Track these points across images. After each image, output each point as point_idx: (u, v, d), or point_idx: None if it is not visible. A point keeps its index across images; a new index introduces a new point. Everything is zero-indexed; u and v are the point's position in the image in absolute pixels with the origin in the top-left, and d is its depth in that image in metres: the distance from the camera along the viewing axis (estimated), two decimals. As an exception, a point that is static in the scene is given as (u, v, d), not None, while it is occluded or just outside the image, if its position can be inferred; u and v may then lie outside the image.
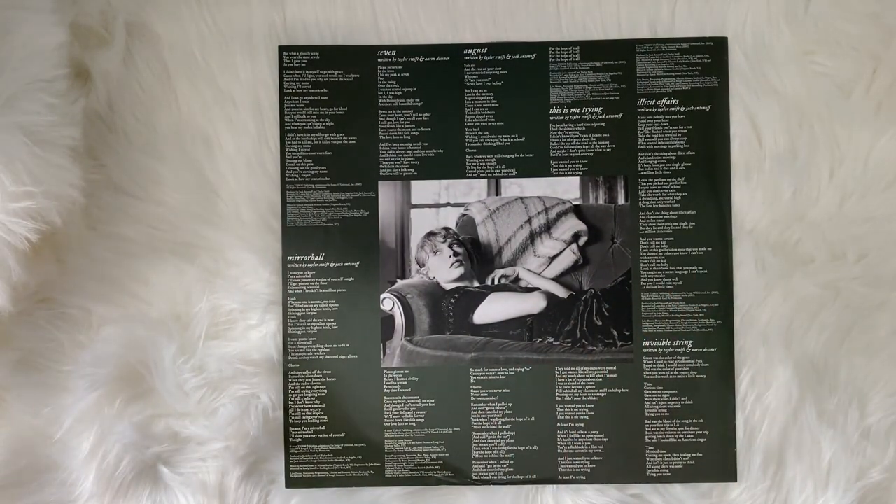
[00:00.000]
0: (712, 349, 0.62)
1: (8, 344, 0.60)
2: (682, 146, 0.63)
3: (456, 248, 0.63)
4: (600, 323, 0.63)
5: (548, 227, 0.63)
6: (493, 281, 0.63)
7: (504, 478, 0.62)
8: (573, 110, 0.63)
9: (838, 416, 0.60)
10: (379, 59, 0.64)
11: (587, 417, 0.62)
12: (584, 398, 0.62)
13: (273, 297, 0.62)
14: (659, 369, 0.62)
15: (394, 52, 0.63)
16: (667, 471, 0.62)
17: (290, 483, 0.62)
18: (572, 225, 0.63)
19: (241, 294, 0.62)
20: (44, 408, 0.60)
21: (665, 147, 0.63)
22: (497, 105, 0.64)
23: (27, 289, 0.58)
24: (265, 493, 0.62)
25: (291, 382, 0.62)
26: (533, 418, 0.62)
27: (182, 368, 0.60)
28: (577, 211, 0.63)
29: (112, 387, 0.60)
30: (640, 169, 0.63)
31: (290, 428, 0.62)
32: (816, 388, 0.60)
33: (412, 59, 0.64)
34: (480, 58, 0.63)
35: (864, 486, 0.59)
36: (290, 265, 0.63)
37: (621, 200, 0.63)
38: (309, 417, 0.62)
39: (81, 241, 0.61)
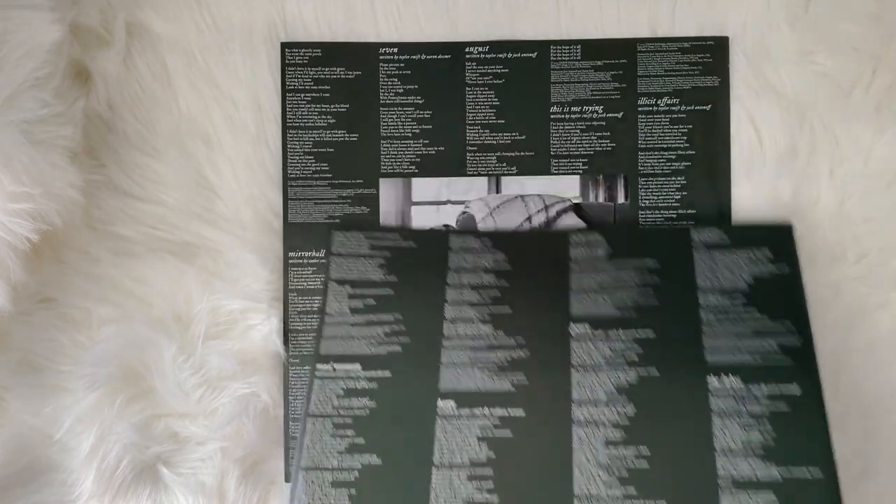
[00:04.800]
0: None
1: (8, 344, 0.60)
2: (682, 145, 0.63)
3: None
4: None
5: (548, 225, 0.63)
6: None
7: None
8: (574, 109, 0.63)
9: (838, 417, 0.60)
10: (381, 57, 0.63)
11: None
12: None
13: (274, 295, 0.62)
14: None
15: (395, 50, 0.63)
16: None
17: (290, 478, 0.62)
18: (572, 223, 0.63)
19: (241, 293, 0.62)
20: (44, 408, 0.60)
21: (665, 146, 0.63)
22: (498, 103, 0.64)
23: (27, 289, 0.58)
24: (265, 493, 0.62)
25: (293, 377, 0.62)
26: None
27: (182, 368, 0.60)
28: (577, 209, 0.63)
29: (112, 387, 0.59)
30: (639, 168, 0.63)
31: (291, 423, 0.62)
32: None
33: (414, 57, 0.63)
34: (482, 56, 0.63)
35: (865, 486, 0.60)
36: (291, 261, 0.63)
37: (621, 199, 0.63)
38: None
39: (81, 241, 0.61)
